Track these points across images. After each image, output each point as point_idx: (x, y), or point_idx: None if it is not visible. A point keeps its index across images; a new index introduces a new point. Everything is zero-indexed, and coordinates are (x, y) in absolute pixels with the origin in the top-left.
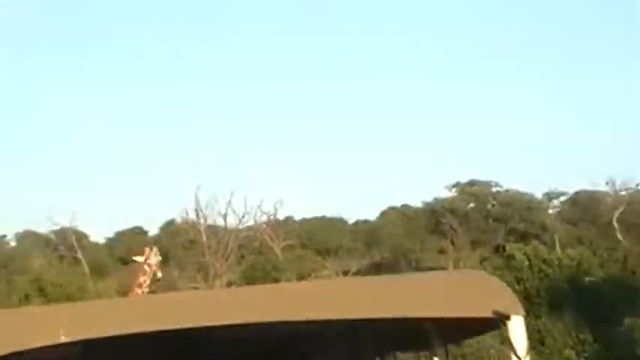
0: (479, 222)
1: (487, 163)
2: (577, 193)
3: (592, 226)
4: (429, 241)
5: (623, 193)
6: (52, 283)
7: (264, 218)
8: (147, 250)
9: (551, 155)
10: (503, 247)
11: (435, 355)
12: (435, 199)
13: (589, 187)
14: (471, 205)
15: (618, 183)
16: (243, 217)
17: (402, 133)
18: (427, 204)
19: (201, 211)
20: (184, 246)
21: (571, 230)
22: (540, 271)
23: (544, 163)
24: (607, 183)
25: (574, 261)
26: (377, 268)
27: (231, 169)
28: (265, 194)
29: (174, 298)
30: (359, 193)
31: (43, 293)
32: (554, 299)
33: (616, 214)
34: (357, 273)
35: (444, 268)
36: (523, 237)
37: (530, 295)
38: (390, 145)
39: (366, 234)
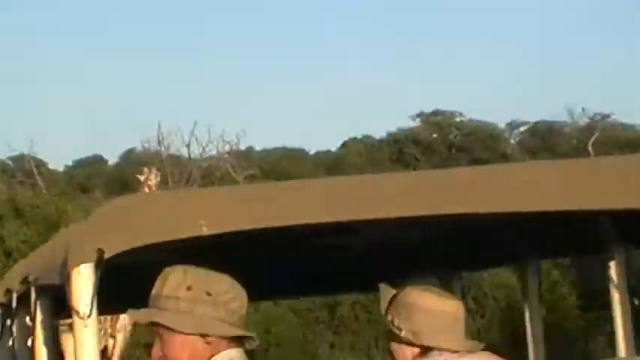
0: (442, 152)
1: (451, 92)
2: (537, 123)
3: (551, 155)
4: (392, 172)
5: (581, 123)
6: (29, 204)
7: (227, 148)
8: (146, 170)
9: (514, 85)
10: None
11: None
12: (399, 129)
13: (548, 118)
14: (435, 135)
15: (577, 113)
16: (207, 145)
17: (365, 62)
18: (390, 134)
19: (163, 139)
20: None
21: (531, 160)
22: None
23: (507, 93)
24: (569, 113)
25: None
26: None
27: (194, 99)
28: (227, 124)
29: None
30: (320, 124)
31: (19, 214)
32: None
33: (592, 140)
34: None
35: None
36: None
37: None
38: (352, 74)
39: (328, 164)
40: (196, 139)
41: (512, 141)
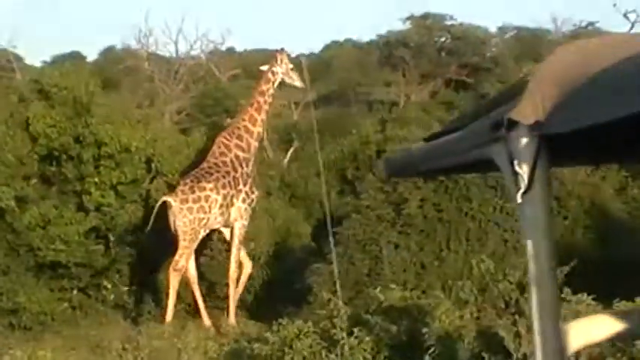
0: (432, 55)
1: None
2: (519, 29)
3: (534, 63)
4: (380, 74)
5: (564, 30)
6: (56, 86)
7: (211, 47)
8: (277, 55)
9: None
10: (456, 81)
11: None
12: (389, 31)
13: (533, 25)
14: (425, 38)
15: (560, 21)
16: (195, 43)
17: None
18: (380, 36)
19: (146, 37)
20: (125, 72)
21: (515, 66)
22: None
23: None
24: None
25: None
26: (326, 100)
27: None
28: (209, 24)
29: None
30: (305, 26)
31: (45, 96)
32: None
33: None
34: (314, 104)
35: (394, 102)
36: (475, 70)
37: None
38: None
39: (313, 66)
40: (184, 37)
41: (501, 46)
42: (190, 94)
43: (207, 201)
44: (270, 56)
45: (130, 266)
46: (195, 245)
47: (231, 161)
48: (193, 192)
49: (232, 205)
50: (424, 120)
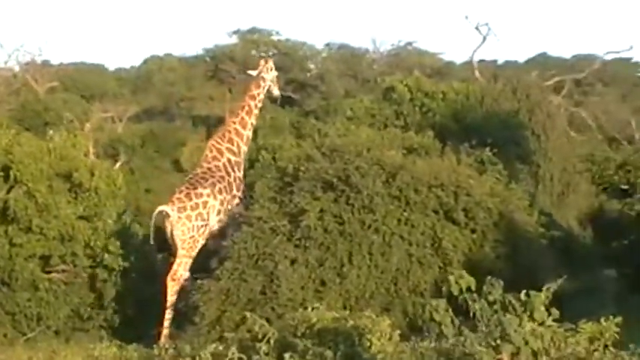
0: None
1: (269, 11)
2: (340, 47)
3: (355, 81)
4: (206, 89)
5: (382, 50)
6: None
7: (28, 59)
8: (261, 62)
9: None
10: (282, 96)
11: None
12: (216, 45)
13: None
14: (252, 52)
15: (378, 41)
16: (13, 54)
17: None
18: (207, 50)
19: None
20: None
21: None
22: (423, 105)
23: (326, 13)
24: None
25: (459, 95)
26: (149, 114)
27: None
28: (25, 37)
29: None
30: (120, 40)
31: None
32: (436, 136)
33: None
34: (136, 117)
35: (220, 117)
36: (301, 86)
37: (406, 131)
38: None
39: (134, 80)
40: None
41: (327, 63)
42: (8, 107)
43: (205, 207)
44: (88, 70)
45: None
46: (194, 254)
47: (224, 165)
48: (190, 199)
49: (228, 211)
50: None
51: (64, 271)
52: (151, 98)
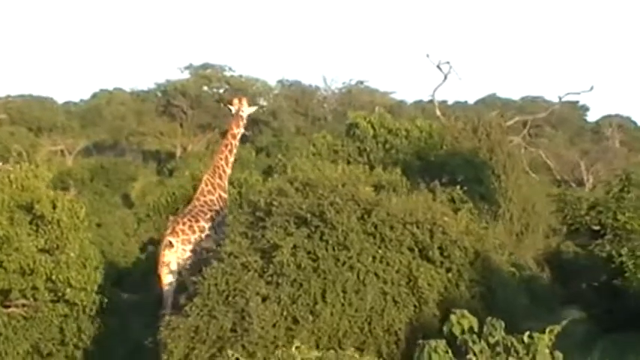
0: (210, 106)
1: (220, 46)
2: (291, 84)
3: (305, 117)
4: (157, 124)
5: (333, 87)
6: None
7: None
8: (235, 100)
9: (284, 43)
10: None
11: None
12: (168, 80)
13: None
14: (204, 88)
15: (329, 79)
16: None
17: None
18: (159, 85)
19: None
20: None
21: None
22: (386, 142)
23: (278, 50)
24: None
25: (423, 132)
26: (99, 148)
27: None
28: None
29: None
30: (70, 73)
31: None
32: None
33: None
34: (86, 151)
35: (171, 152)
36: (253, 123)
37: (373, 168)
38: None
39: (83, 114)
40: None
41: (280, 99)
42: None
43: (207, 241)
44: (35, 103)
45: None
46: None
47: (217, 200)
48: (194, 232)
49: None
50: None
51: (23, 305)
52: (100, 132)
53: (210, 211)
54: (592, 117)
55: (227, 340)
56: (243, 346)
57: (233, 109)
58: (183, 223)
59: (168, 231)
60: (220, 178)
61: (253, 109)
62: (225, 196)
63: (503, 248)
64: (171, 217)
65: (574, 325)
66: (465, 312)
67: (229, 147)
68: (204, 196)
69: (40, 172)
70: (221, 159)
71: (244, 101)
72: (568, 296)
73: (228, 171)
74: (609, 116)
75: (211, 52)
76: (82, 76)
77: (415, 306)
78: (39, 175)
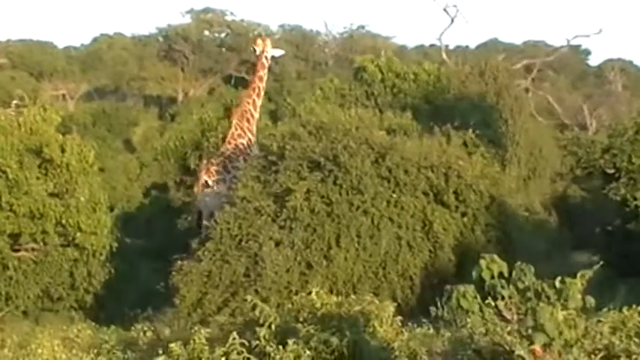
0: (212, 51)
1: None
2: (292, 29)
3: (306, 62)
4: (158, 69)
5: (334, 33)
6: None
7: None
8: (259, 41)
9: None
10: (236, 77)
11: None
12: (169, 25)
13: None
14: (206, 32)
15: (330, 24)
16: None
17: None
18: (160, 30)
19: None
20: None
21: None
22: (394, 86)
23: None
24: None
25: (431, 76)
26: (100, 93)
27: None
28: None
29: None
30: (69, 18)
31: None
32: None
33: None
34: (87, 96)
35: (172, 97)
36: (254, 66)
37: (382, 112)
38: None
39: (83, 58)
40: None
41: (282, 44)
42: None
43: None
44: (36, 48)
45: None
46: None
47: (247, 145)
48: (229, 172)
49: None
50: None
51: (33, 249)
52: (101, 77)
53: (242, 153)
54: (593, 61)
55: (240, 285)
56: (257, 291)
57: (258, 49)
58: (217, 164)
59: (203, 172)
60: (248, 121)
61: (279, 52)
62: (254, 139)
63: (515, 192)
64: (203, 160)
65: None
66: (495, 256)
67: (257, 90)
68: (235, 139)
69: (48, 115)
70: (249, 102)
71: (268, 42)
72: (576, 240)
73: (256, 115)
74: (611, 60)
75: None
76: (83, 21)
77: (430, 251)
78: (47, 119)
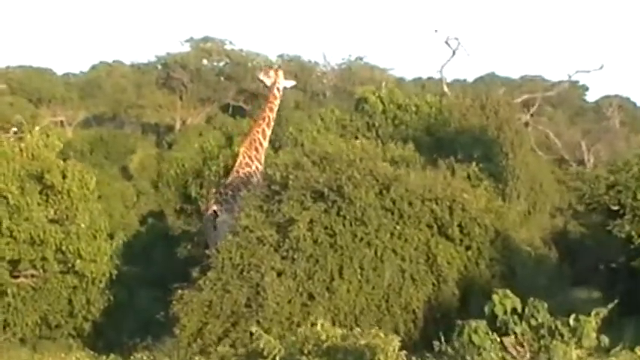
0: (210, 79)
1: (221, 20)
2: (291, 59)
3: (304, 93)
4: (156, 97)
5: (333, 64)
6: None
7: None
8: (271, 72)
9: (285, 16)
10: (233, 107)
11: None
12: (168, 53)
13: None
14: (204, 61)
15: (329, 55)
16: None
17: None
18: (159, 58)
19: None
20: None
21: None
22: (395, 117)
23: (279, 25)
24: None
25: (432, 108)
26: (98, 120)
27: None
28: None
29: None
30: (69, 45)
31: None
32: None
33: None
34: (85, 123)
35: (170, 125)
36: (253, 97)
37: (384, 143)
38: None
39: (82, 85)
40: None
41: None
42: None
43: None
44: (35, 74)
45: None
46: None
47: (254, 173)
48: (236, 201)
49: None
50: None
51: (33, 276)
52: (99, 104)
53: (250, 183)
54: (591, 97)
55: (241, 316)
56: (258, 322)
57: (268, 81)
58: (226, 194)
59: (212, 201)
60: (257, 150)
61: (291, 82)
62: (261, 168)
63: (518, 227)
64: (212, 189)
65: (593, 306)
66: (508, 292)
67: (267, 120)
68: (243, 168)
69: (50, 141)
70: (258, 132)
71: (281, 73)
72: (576, 276)
73: (265, 144)
74: (609, 97)
75: (212, 25)
76: (82, 48)
77: (434, 284)
78: (49, 145)
